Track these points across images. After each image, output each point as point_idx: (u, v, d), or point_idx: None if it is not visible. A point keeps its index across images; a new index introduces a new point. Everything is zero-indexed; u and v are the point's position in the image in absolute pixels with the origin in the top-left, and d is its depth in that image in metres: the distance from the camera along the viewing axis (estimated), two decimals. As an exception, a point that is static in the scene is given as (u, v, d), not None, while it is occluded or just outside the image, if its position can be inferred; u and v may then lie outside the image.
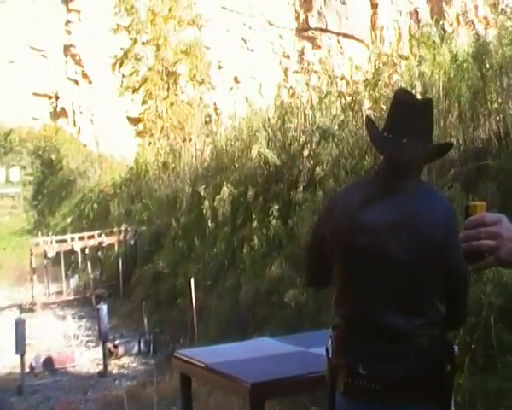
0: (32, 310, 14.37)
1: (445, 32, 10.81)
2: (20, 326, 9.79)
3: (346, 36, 32.77)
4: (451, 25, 14.35)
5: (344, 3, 32.90)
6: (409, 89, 9.42)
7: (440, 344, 3.00)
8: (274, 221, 9.91)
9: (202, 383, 6.83)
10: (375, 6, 32.68)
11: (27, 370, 10.01)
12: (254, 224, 10.41)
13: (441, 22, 11.65)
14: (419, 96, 9.11)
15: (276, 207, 10.04)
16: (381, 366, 2.93)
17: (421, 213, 2.96)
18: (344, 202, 3.15)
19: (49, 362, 10.47)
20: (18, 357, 9.74)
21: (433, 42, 10.29)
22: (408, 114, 3.02)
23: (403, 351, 2.92)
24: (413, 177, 3.05)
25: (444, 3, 29.06)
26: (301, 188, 10.05)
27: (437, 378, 2.95)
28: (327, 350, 3.16)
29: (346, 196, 3.23)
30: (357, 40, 31.52)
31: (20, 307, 14.36)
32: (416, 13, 26.37)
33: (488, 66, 8.30)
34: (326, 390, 3.17)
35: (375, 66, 11.09)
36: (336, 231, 3.08)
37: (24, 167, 27.66)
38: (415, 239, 2.92)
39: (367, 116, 3.74)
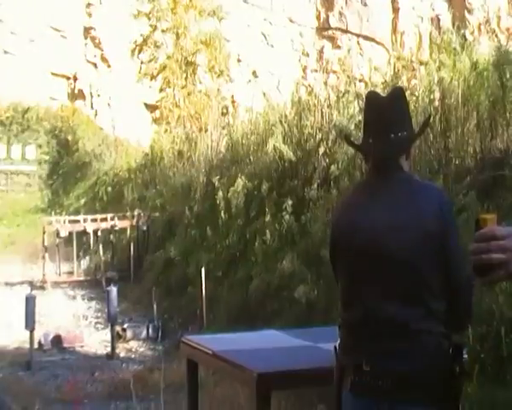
0: (42, 288, 14.52)
1: (466, 39, 10.84)
2: (30, 302, 9.93)
3: (366, 38, 32.71)
4: (473, 33, 14.35)
5: (365, 5, 32.86)
6: (427, 93, 9.53)
7: (447, 344, 2.99)
8: (287, 216, 9.97)
9: (209, 372, 6.93)
10: (396, 10, 32.59)
11: (36, 346, 10.15)
12: (267, 218, 10.47)
13: (462, 30, 11.66)
14: (437, 103, 9.23)
15: (290, 202, 10.10)
16: (383, 362, 2.94)
17: (415, 206, 2.98)
18: (342, 209, 3.26)
19: (57, 340, 10.65)
20: (27, 333, 9.89)
21: (454, 49, 10.33)
22: (379, 112, 3.07)
23: (405, 346, 2.92)
24: (400, 169, 3.08)
25: (466, 12, 29.00)
26: (315, 185, 10.11)
27: (444, 380, 2.95)
28: (335, 348, 3.17)
29: (344, 203, 3.33)
30: (377, 43, 31.45)
31: (31, 284, 14.46)
32: (438, 19, 26.35)
33: (508, 75, 8.34)
34: (333, 388, 3.18)
35: (395, 69, 11.15)
36: (337, 235, 3.16)
37: (40, 146, 27.70)
38: (412, 233, 2.94)
39: (345, 135, 3.85)
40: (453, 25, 12.50)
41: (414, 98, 9.39)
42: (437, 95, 9.35)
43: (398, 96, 3.20)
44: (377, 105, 3.11)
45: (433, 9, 31.82)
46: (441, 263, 2.97)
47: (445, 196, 3.20)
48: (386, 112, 3.06)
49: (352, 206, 3.17)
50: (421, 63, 11.09)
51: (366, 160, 3.27)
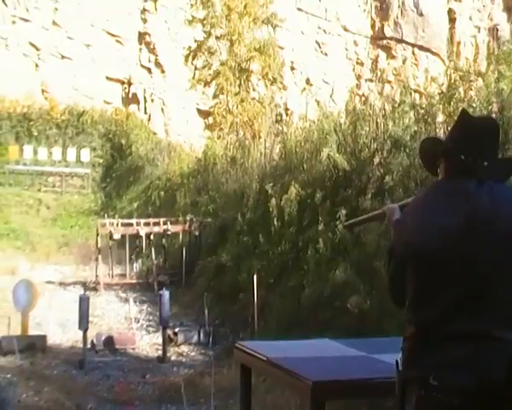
0: (95, 289, 14.67)
1: (526, 50, 10.71)
2: (84, 303, 10.08)
3: (421, 48, 32.46)
4: (533, 43, 14.12)
5: (421, 15, 32.61)
6: (485, 105, 9.44)
7: None
8: (341, 226, 9.94)
9: (261, 378, 6.94)
10: (453, 20, 32.30)
11: (89, 346, 10.31)
12: (320, 227, 10.44)
13: (522, 41, 11.50)
14: (495, 115, 9.12)
15: (344, 211, 10.05)
16: (452, 374, 2.79)
17: (493, 208, 2.90)
18: (416, 211, 3.09)
19: (110, 341, 10.76)
20: (80, 332, 10.04)
21: (513, 59, 10.22)
22: (484, 137, 3.03)
23: (474, 355, 2.79)
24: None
25: (526, 22, 28.65)
26: (370, 195, 10.06)
27: None
28: (397, 363, 3.01)
29: (417, 206, 3.15)
30: (433, 53, 31.23)
31: (84, 285, 14.70)
32: (496, 30, 26.00)
33: None
34: (395, 404, 3.03)
35: (451, 80, 11.07)
36: (411, 240, 3.00)
37: (94, 149, 28.00)
38: (488, 236, 2.87)
39: (430, 138, 3.65)
40: (512, 35, 12.35)
41: (471, 110, 9.30)
42: (495, 107, 9.24)
43: (496, 126, 3.18)
44: (480, 128, 3.07)
45: (492, 19, 31.50)
46: None
47: None
48: (486, 137, 3.06)
49: (427, 208, 3.03)
50: (478, 74, 10.98)
51: (448, 166, 3.11)
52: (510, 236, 2.88)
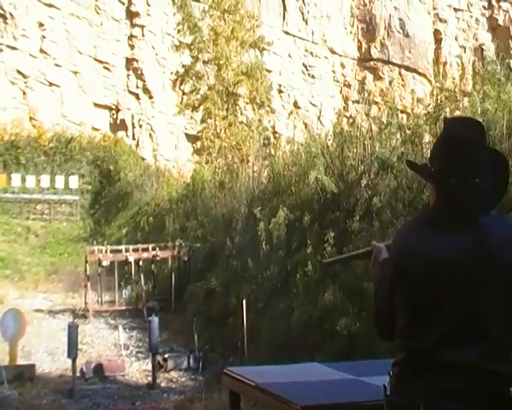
0: (84, 316, 14.63)
1: (510, 70, 10.76)
2: (73, 330, 10.04)
3: (408, 69, 32.70)
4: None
5: (407, 36, 32.88)
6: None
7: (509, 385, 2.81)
8: (329, 248, 9.91)
9: (251, 403, 6.90)
10: (438, 41, 32.60)
11: (78, 374, 10.23)
12: (309, 249, 10.43)
13: (507, 61, 11.58)
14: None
15: (332, 234, 10.06)
16: (441, 406, 2.75)
17: (489, 240, 2.84)
18: (407, 238, 3.00)
19: (99, 369, 10.70)
20: (69, 361, 10.02)
21: (498, 80, 10.27)
22: (472, 149, 2.88)
23: (462, 386, 2.75)
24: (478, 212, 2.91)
25: (511, 42, 28.83)
26: (358, 217, 10.06)
27: None
28: (384, 387, 2.94)
29: (409, 232, 3.05)
30: (420, 74, 31.50)
31: (74, 313, 14.63)
32: (481, 50, 26.23)
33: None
34: None
35: (437, 100, 11.11)
36: (403, 268, 2.93)
37: (83, 176, 27.98)
38: (480, 269, 2.83)
39: (407, 161, 3.49)
40: (497, 55, 12.41)
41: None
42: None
43: (484, 138, 3.01)
44: (468, 144, 2.90)
45: (477, 40, 31.77)
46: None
47: None
48: (475, 149, 2.90)
49: (419, 234, 2.96)
50: (464, 94, 11.04)
51: (438, 191, 2.99)
52: (503, 268, 2.85)
